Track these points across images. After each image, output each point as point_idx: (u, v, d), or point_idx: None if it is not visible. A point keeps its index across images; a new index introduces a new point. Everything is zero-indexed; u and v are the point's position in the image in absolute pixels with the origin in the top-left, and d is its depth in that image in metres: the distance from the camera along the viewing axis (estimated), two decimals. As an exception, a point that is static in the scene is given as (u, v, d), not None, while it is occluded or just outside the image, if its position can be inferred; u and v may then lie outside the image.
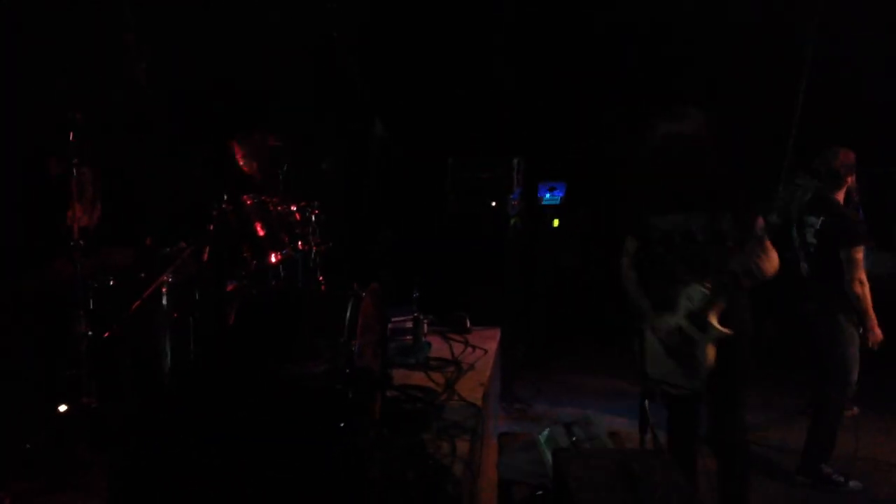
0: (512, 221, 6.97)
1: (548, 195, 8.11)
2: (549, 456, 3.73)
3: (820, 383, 4.83)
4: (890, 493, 4.82)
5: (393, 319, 5.30)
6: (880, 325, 4.65)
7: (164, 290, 3.80)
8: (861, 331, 4.67)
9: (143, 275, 3.82)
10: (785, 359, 6.84)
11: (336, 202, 5.29)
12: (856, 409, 5.79)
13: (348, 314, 3.45)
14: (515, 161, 7.01)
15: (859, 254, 4.60)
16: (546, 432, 3.90)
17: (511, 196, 7.00)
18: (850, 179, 4.81)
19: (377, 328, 3.88)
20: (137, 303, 3.66)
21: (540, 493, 3.76)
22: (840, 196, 4.79)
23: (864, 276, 4.61)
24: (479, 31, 7.93)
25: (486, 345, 5.26)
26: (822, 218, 4.76)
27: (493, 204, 7.00)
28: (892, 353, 4.81)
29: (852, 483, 4.81)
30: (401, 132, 6.25)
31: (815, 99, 7.39)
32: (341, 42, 5.07)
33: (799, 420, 5.13)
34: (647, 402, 3.77)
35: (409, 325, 5.17)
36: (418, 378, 4.50)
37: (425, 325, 5.18)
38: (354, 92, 5.56)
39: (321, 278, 4.45)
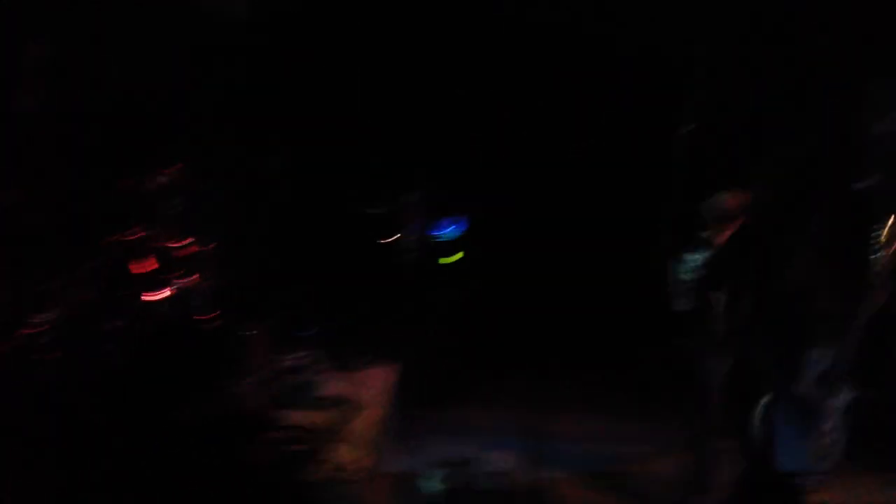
0: (411, 255, 6.99)
1: (448, 229, 8.18)
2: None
3: (697, 415, 5.01)
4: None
5: (286, 357, 5.23)
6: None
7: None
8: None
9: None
10: (667, 388, 7.08)
11: (232, 236, 5.21)
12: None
13: (233, 352, 3.40)
14: (414, 194, 7.04)
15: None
16: (425, 476, 3.90)
17: (411, 229, 7.03)
18: (737, 225, 4.98)
19: (266, 367, 3.84)
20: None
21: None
22: (721, 238, 4.96)
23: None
24: (379, 59, 7.93)
25: (379, 382, 5.25)
26: (698, 256, 4.97)
27: (393, 237, 7.01)
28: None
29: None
30: (296, 165, 6.21)
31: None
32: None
33: (679, 451, 5.28)
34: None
35: (303, 362, 5.12)
36: (308, 418, 4.45)
37: (317, 363, 5.13)
38: (250, 125, 5.51)
39: (212, 315, 4.37)
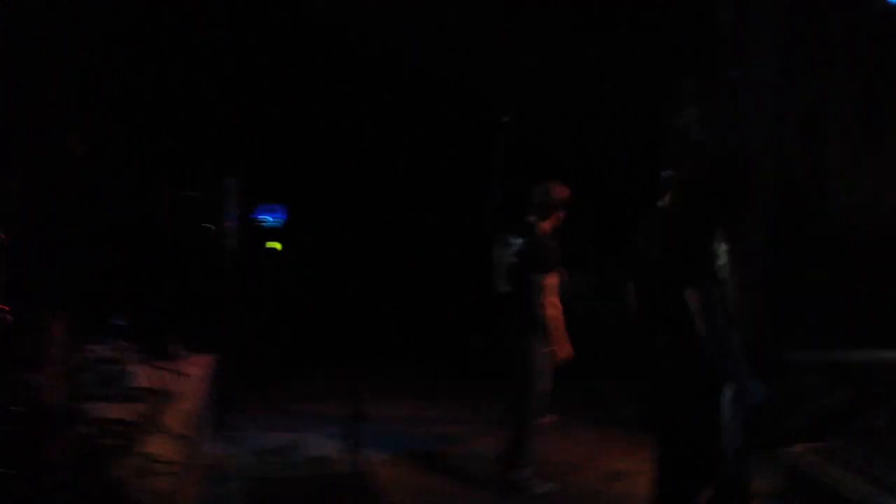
0: (227, 244, 6.83)
1: (268, 217, 8.04)
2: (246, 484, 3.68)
3: (516, 394, 5.22)
4: (577, 491, 5.30)
5: (93, 348, 4.96)
6: (571, 341, 5.10)
7: None
8: (551, 348, 5.11)
9: None
10: (489, 370, 7.34)
11: (28, 224, 4.87)
12: (551, 418, 6.30)
13: (27, 345, 3.19)
14: (230, 182, 6.88)
15: (550, 280, 5.02)
16: (244, 461, 3.84)
17: (226, 217, 6.86)
18: (561, 215, 5.23)
19: (68, 358, 3.62)
20: None
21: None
22: (546, 225, 5.20)
23: (556, 300, 5.03)
24: (196, 51, 7.72)
25: (196, 372, 5.10)
26: (522, 239, 5.16)
27: (210, 226, 6.82)
28: (581, 365, 5.31)
29: (547, 486, 5.22)
30: (109, 150, 5.90)
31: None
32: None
33: (499, 429, 5.50)
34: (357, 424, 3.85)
35: (111, 353, 4.88)
36: (119, 410, 4.25)
37: (130, 354, 4.91)
38: (48, 105, 5.17)
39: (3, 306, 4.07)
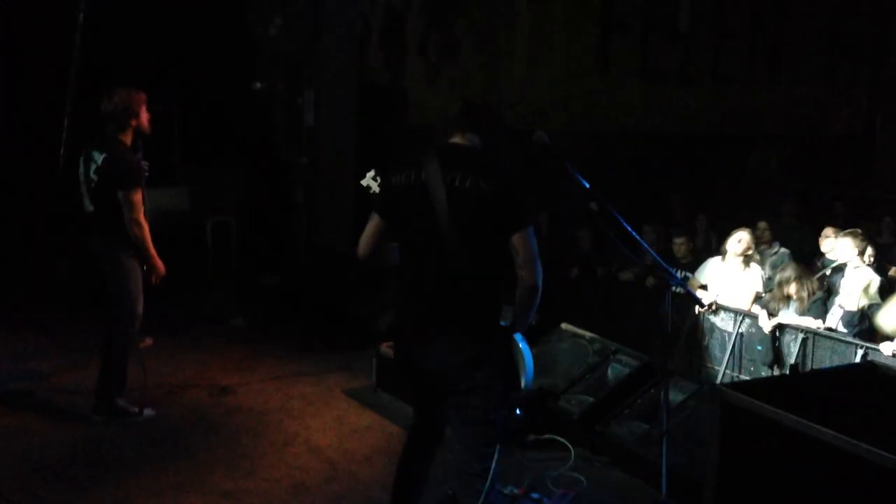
0: None
1: None
2: None
3: (112, 319, 4.90)
4: (180, 412, 5.19)
5: None
6: (162, 257, 4.88)
7: None
8: (144, 267, 4.85)
9: None
10: (78, 299, 6.81)
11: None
12: (149, 340, 6.06)
13: None
14: None
15: (136, 196, 4.71)
16: None
17: None
18: (140, 122, 4.83)
19: None
20: None
21: None
22: (126, 137, 4.81)
23: (141, 218, 4.73)
24: None
25: None
26: (104, 155, 4.75)
27: None
28: (174, 284, 5.13)
29: (146, 411, 5.03)
30: None
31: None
32: None
33: (94, 360, 5.14)
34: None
35: None
36: None
37: None
38: None
39: None
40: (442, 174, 3.14)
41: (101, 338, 4.97)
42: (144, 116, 4.85)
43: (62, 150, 6.97)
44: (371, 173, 3.59)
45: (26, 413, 5.06)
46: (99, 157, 4.77)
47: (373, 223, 3.32)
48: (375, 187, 3.56)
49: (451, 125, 3.31)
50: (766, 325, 5.58)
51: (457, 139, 3.28)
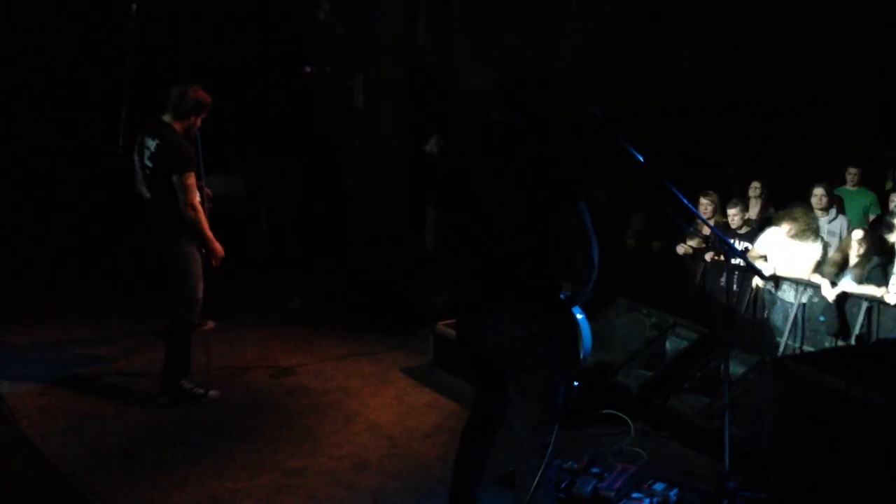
0: None
1: None
2: None
3: (171, 304, 5.01)
4: (243, 393, 5.30)
5: None
6: (221, 242, 4.96)
7: None
8: (203, 251, 4.94)
9: None
10: (142, 284, 6.98)
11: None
12: (211, 324, 6.18)
13: None
14: None
15: (190, 179, 4.79)
16: None
17: None
18: (198, 121, 4.91)
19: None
20: None
21: None
22: (180, 127, 4.88)
23: (196, 201, 4.82)
24: None
25: None
26: (156, 141, 4.84)
27: None
28: (232, 268, 5.21)
29: (211, 393, 5.14)
30: None
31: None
32: None
33: (158, 344, 5.27)
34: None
35: None
36: None
37: None
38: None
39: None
40: (485, 160, 3.11)
41: (164, 322, 5.10)
42: (202, 117, 4.94)
43: (121, 138, 7.13)
44: (434, 139, 3.60)
45: (95, 397, 5.21)
46: (152, 144, 4.86)
47: (430, 214, 3.33)
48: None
49: (493, 101, 3.25)
50: (830, 294, 5.46)
51: (498, 117, 3.18)
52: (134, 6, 7.00)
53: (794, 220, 5.87)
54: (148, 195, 4.99)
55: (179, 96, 4.85)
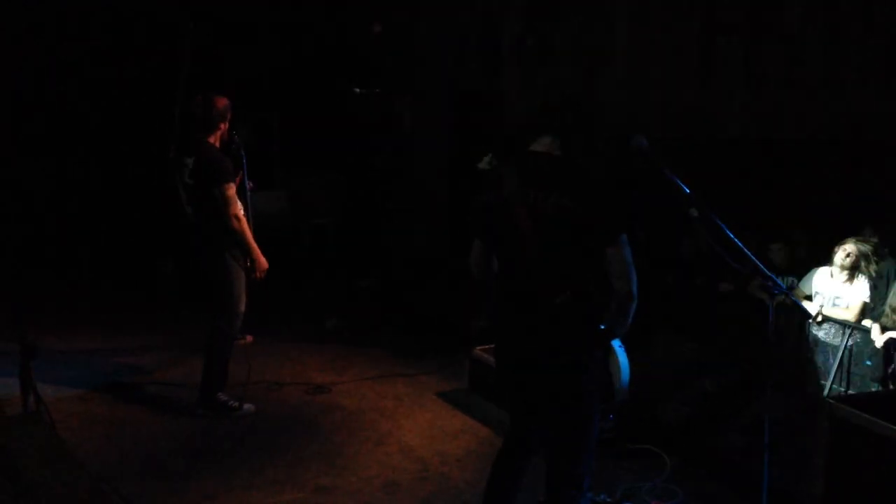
0: None
1: None
2: None
3: (212, 317, 5.05)
4: (277, 408, 5.31)
5: None
6: (265, 256, 5.00)
7: None
8: (248, 263, 4.98)
9: None
10: (184, 295, 7.07)
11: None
12: (250, 338, 6.23)
13: None
14: None
15: (231, 190, 4.85)
16: None
17: None
18: (224, 126, 5.01)
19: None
20: None
21: None
22: (214, 139, 4.97)
23: (239, 211, 4.88)
24: None
25: None
26: (193, 158, 4.92)
27: None
28: (274, 282, 5.25)
29: (246, 406, 5.16)
30: None
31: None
32: None
33: (197, 356, 5.32)
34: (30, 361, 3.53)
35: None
36: None
37: None
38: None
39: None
40: (522, 192, 3.09)
41: (207, 333, 5.14)
42: (227, 122, 5.02)
43: (171, 153, 7.26)
44: (488, 157, 3.59)
45: (132, 405, 5.27)
46: (189, 162, 4.94)
47: (476, 245, 3.31)
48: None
49: (534, 128, 3.21)
50: (879, 339, 5.32)
51: (538, 146, 3.15)
52: (191, 24, 7.13)
53: (860, 242, 5.71)
54: (192, 213, 5.05)
55: (203, 109, 4.92)
